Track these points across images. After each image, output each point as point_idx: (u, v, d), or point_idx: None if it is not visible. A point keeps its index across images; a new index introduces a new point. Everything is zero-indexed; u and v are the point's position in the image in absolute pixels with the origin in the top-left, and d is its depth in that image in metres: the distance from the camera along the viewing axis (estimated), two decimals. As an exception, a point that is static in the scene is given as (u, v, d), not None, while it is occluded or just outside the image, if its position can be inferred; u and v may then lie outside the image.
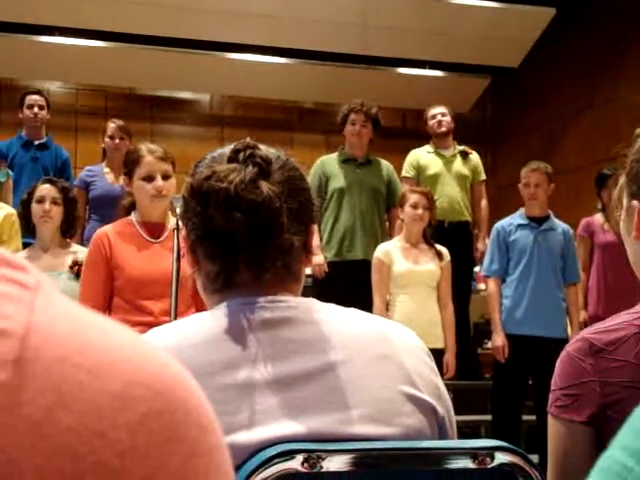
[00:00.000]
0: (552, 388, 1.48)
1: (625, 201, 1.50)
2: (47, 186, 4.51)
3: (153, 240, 3.27)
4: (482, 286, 6.73)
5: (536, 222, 5.40)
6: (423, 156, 6.44)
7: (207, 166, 1.39)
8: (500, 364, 5.31)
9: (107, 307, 3.24)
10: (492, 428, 5.49)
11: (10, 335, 0.41)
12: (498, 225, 5.51)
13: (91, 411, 0.41)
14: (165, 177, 3.29)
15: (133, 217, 3.35)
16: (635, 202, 1.45)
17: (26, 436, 0.40)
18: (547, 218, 5.44)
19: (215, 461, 0.45)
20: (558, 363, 1.48)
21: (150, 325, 1.61)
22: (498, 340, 5.29)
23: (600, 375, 1.42)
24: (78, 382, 0.42)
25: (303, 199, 1.40)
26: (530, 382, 5.37)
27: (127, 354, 0.44)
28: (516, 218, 5.47)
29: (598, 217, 5.79)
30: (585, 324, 5.50)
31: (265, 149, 1.40)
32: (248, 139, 1.41)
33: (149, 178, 3.27)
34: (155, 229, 3.25)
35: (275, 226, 1.32)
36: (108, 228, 3.34)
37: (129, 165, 3.33)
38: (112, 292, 3.26)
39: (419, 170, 6.37)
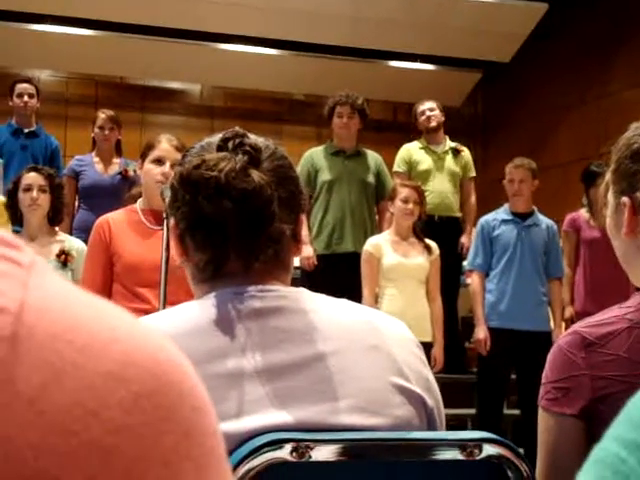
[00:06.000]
0: (543, 381, 1.48)
1: (611, 198, 1.50)
2: (33, 174, 4.51)
3: (155, 227, 3.27)
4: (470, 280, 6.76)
5: (520, 218, 5.45)
6: (415, 152, 6.46)
7: (196, 155, 1.38)
8: (484, 357, 5.37)
9: (106, 292, 3.25)
10: (478, 421, 5.52)
11: (4, 312, 0.41)
12: (482, 220, 5.57)
13: (85, 389, 0.41)
14: (174, 167, 3.31)
15: (138, 205, 3.37)
16: (625, 198, 1.45)
17: (21, 413, 0.40)
18: (531, 214, 5.49)
19: (209, 443, 0.45)
20: (549, 356, 1.49)
21: (146, 312, 1.60)
22: (480, 333, 5.36)
23: (591, 369, 1.42)
24: (72, 360, 0.41)
25: (293, 188, 1.40)
26: (514, 376, 5.43)
27: (122, 334, 0.44)
28: (500, 213, 5.52)
29: (583, 212, 5.81)
30: (572, 320, 5.54)
31: (254, 138, 1.39)
32: (237, 127, 1.40)
33: (159, 162, 3.28)
34: (158, 216, 3.25)
35: (266, 215, 1.31)
36: (110, 215, 3.37)
37: (145, 149, 3.35)
38: (112, 278, 3.27)
39: (410, 165, 6.39)
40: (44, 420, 0.40)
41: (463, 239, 6.37)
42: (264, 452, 1.17)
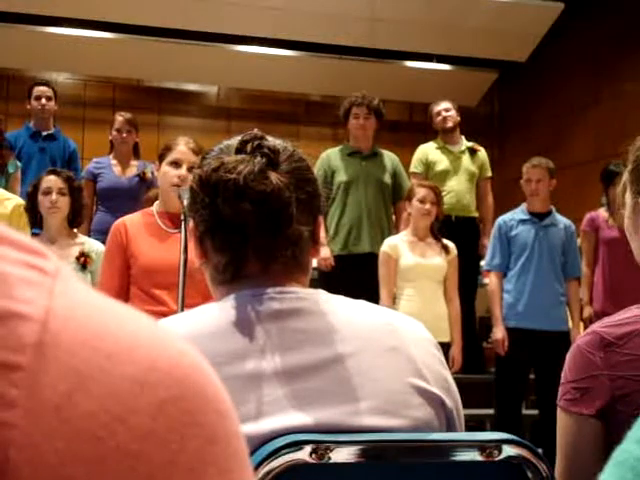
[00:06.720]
0: (562, 381, 1.48)
1: (629, 198, 1.49)
2: (52, 177, 4.53)
3: (171, 230, 3.28)
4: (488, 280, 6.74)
5: (538, 217, 5.42)
6: (431, 152, 6.44)
7: (215, 157, 1.38)
8: (502, 358, 5.35)
9: (124, 295, 3.26)
10: (496, 421, 5.50)
11: (31, 319, 0.41)
12: (500, 220, 5.54)
13: (111, 395, 0.41)
14: (191, 170, 3.32)
15: (154, 207, 3.38)
16: (642, 199, 1.45)
17: (47, 420, 0.40)
18: (549, 213, 5.46)
19: (232, 446, 0.46)
20: (568, 356, 1.48)
21: (164, 315, 1.61)
22: (498, 333, 5.34)
23: (610, 369, 1.42)
24: (97, 367, 0.42)
25: (311, 189, 1.40)
26: (532, 376, 5.41)
27: (145, 340, 0.44)
28: (518, 213, 5.50)
29: (602, 212, 5.78)
30: (590, 320, 5.51)
31: (272, 140, 1.40)
32: (256, 130, 1.41)
33: (175, 164, 3.29)
34: (175, 219, 3.26)
35: (284, 216, 1.31)
36: (127, 217, 3.38)
37: (162, 150, 3.37)
38: (129, 281, 3.28)
39: (427, 166, 6.38)
40: (71, 427, 0.40)
41: (485, 241, 6.34)
42: (284, 454, 1.17)
